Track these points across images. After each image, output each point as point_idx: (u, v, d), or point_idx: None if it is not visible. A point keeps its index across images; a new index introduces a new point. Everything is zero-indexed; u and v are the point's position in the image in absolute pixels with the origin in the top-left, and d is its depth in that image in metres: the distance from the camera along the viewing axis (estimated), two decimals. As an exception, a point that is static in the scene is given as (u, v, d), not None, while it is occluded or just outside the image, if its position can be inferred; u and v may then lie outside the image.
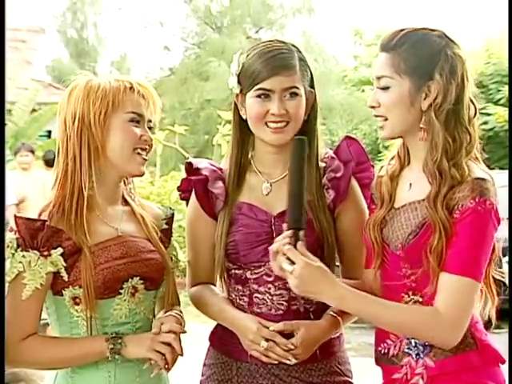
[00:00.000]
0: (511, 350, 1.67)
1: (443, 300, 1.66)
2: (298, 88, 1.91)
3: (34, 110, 14.66)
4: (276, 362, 1.85)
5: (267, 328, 1.84)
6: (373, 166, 2.04)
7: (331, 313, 1.90)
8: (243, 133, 1.99)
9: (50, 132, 16.84)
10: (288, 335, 1.84)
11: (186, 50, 22.08)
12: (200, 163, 2.03)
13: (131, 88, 1.80)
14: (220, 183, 1.99)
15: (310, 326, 1.86)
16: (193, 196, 2.02)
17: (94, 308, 1.74)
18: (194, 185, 2.00)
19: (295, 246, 1.68)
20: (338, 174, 1.96)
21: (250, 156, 2.02)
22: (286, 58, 1.91)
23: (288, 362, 1.83)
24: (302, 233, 1.70)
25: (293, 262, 1.67)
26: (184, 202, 2.10)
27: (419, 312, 1.70)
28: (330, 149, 2.06)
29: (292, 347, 1.82)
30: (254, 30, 21.81)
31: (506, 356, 1.78)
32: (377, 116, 1.79)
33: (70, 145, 1.80)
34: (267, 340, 1.83)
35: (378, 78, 1.77)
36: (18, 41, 19.00)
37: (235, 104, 1.98)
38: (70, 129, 1.80)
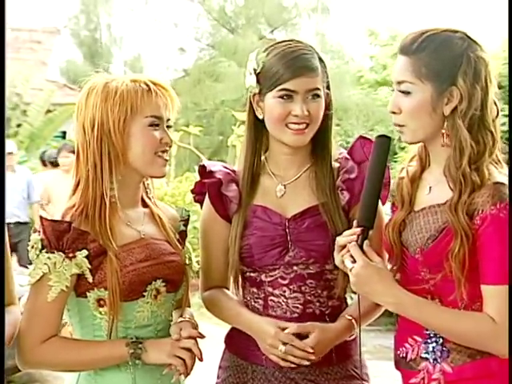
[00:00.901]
0: (511, 349, 1.66)
1: (497, 310, 1.64)
2: (319, 89, 1.90)
3: (48, 111, 14.74)
4: (294, 366, 1.85)
5: (285, 329, 1.84)
6: (388, 167, 2.03)
7: (346, 315, 1.90)
8: (258, 133, 1.98)
9: (64, 133, 16.91)
10: (302, 337, 1.84)
11: (200, 50, 22.12)
12: (213, 166, 2.03)
13: (149, 90, 1.79)
14: (234, 186, 1.99)
15: (324, 328, 1.86)
16: (207, 199, 2.02)
17: (118, 310, 1.74)
18: (208, 188, 2.00)
19: (362, 244, 1.69)
20: (353, 175, 1.95)
21: (263, 158, 2.01)
22: (310, 58, 1.90)
23: (305, 363, 1.83)
24: (371, 232, 1.70)
25: (355, 260, 1.68)
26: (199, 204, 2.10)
27: (475, 320, 1.67)
28: (345, 149, 2.05)
29: (310, 350, 1.82)
30: (268, 30, 21.80)
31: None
32: (396, 125, 1.77)
33: (89, 152, 1.80)
34: (285, 344, 1.82)
35: (399, 83, 1.75)
36: (34, 42, 19.13)
37: (250, 104, 1.97)
38: (89, 135, 1.79)
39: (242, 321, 1.93)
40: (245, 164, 1.99)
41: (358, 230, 1.71)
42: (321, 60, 1.93)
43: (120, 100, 1.77)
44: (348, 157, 2.00)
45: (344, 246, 1.71)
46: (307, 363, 1.84)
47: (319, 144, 1.97)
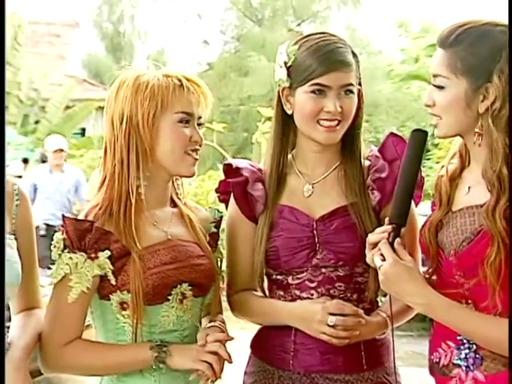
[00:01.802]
0: (511, 349, 1.65)
1: None
2: (353, 85, 1.90)
3: (67, 107, 14.84)
4: (346, 342, 1.83)
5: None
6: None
7: (380, 312, 1.90)
8: (286, 130, 1.98)
9: (84, 130, 17.06)
10: None
11: (225, 43, 22.17)
12: (240, 163, 2.03)
13: (181, 86, 1.79)
14: (260, 185, 1.98)
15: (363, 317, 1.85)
16: (232, 199, 2.02)
17: (141, 314, 1.75)
18: (233, 187, 2.00)
19: (393, 242, 1.69)
20: (383, 174, 1.94)
21: (290, 156, 2.01)
22: (344, 52, 1.89)
23: (356, 333, 1.81)
24: (403, 229, 1.70)
25: (385, 258, 1.68)
26: (223, 204, 2.10)
27: (508, 327, 1.65)
28: (375, 146, 2.05)
29: (362, 319, 1.81)
30: (296, 22, 21.78)
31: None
32: (432, 114, 1.76)
33: (117, 146, 1.80)
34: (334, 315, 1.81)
35: (434, 76, 1.73)
36: (52, 35, 19.30)
37: (279, 98, 1.96)
38: (117, 129, 1.80)
39: (281, 312, 1.91)
40: (271, 162, 1.98)
41: (390, 227, 1.70)
42: (354, 54, 1.93)
43: (150, 94, 1.77)
44: (378, 155, 1.99)
45: (376, 244, 1.71)
46: (357, 333, 1.81)
47: (349, 141, 1.96)
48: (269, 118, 7.95)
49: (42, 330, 1.79)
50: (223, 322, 1.89)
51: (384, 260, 1.68)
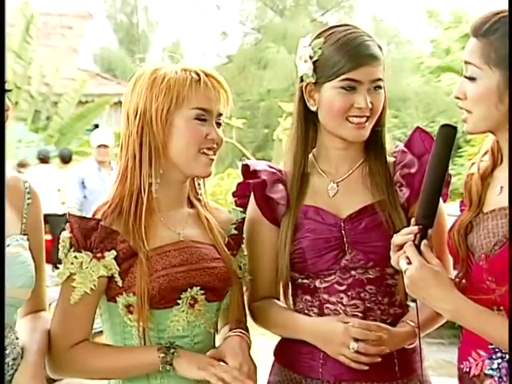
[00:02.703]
0: (511, 349, 1.64)
1: None
2: (382, 80, 1.90)
3: (80, 103, 14.92)
4: (366, 368, 1.83)
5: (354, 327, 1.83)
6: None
7: (408, 321, 1.89)
8: (308, 127, 1.98)
9: (97, 126, 17.13)
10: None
11: (245, 35, 22.18)
12: (258, 165, 2.03)
13: (198, 80, 1.79)
14: (280, 186, 1.98)
15: (389, 330, 1.85)
16: (252, 201, 2.01)
17: (146, 318, 1.75)
18: (253, 189, 2.00)
19: (419, 244, 1.68)
20: (412, 170, 1.94)
21: (311, 154, 2.01)
22: (373, 46, 1.89)
23: (378, 360, 1.81)
24: (430, 231, 1.70)
25: (411, 261, 1.68)
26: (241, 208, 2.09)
27: None
28: (400, 141, 2.04)
29: (385, 347, 1.80)
30: (319, 12, 21.74)
31: None
32: (461, 108, 1.75)
33: (130, 142, 1.81)
34: (356, 341, 1.81)
35: (466, 64, 1.72)
36: (65, 27, 19.43)
37: (301, 94, 1.96)
38: (131, 124, 1.81)
39: (302, 327, 1.91)
40: (294, 161, 1.98)
41: (416, 228, 1.70)
42: (380, 48, 1.93)
43: (166, 88, 1.77)
44: (405, 150, 1.98)
45: (401, 246, 1.70)
46: (379, 360, 1.82)
47: (373, 137, 1.96)
48: (291, 114, 7.95)
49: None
50: (246, 331, 1.87)
51: (410, 263, 1.67)
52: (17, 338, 1.75)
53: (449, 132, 1.71)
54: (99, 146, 7.74)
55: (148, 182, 1.79)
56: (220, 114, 1.83)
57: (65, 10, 20.87)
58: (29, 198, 1.81)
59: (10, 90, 1.73)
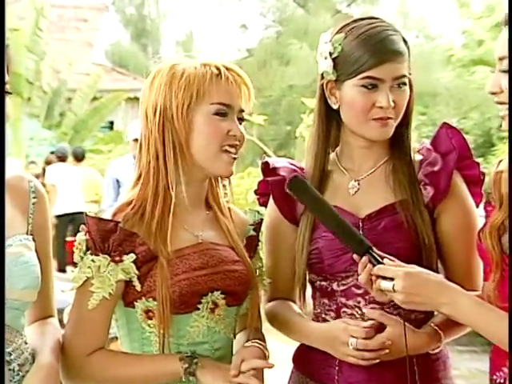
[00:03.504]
0: (511, 350, 1.63)
1: None
2: (406, 77, 1.90)
3: (95, 98, 14.96)
4: (376, 361, 1.83)
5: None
6: (478, 164, 2.00)
7: (432, 324, 1.89)
8: (330, 125, 1.99)
9: (112, 123, 17.23)
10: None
11: (266, 27, 22.16)
12: (277, 162, 2.04)
13: (218, 75, 1.80)
14: None
15: (407, 330, 1.83)
16: (271, 199, 2.03)
17: (168, 324, 1.75)
18: (271, 187, 2.01)
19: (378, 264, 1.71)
20: (436, 168, 1.93)
21: (335, 152, 2.02)
22: (396, 41, 1.88)
23: (382, 353, 1.83)
24: (375, 249, 1.74)
25: (391, 279, 1.69)
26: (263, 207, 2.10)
27: None
28: (426, 138, 2.04)
29: (387, 342, 1.81)
30: (344, 3, 21.68)
31: None
32: (499, 103, 1.73)
33: (151, 141, 1.81)
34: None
35: (500, 59, 1.71)
36: (80, 20, 19.53)
37: (322, 91, 1.96)
38: (151, 122, 1.81)
39: (308, 333, 1.93)
40: (314, 159, 1.99)
41: (364, 258, 1.73)
42: (405, 42, 1.92)
43: (185, 83, 1.78)
44: (430, 147, 1.98)
45: (370, 280, 1.73)
46: (387, 351, 1.82)
47: (398, 135, 1.96)
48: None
49: (60, 338, 1.81)
50: (263, 340, 1.88)
51: (391, 279, 1.69)
52: (25, 343, 1.75)
53: (296, 183, 1.79)
54: (135, 140, 7.78)
55: (175, 183, 1.80)
56: (242, 110, 1.84)
57: (80, 2, 20.97)
58: (34, 198, 1.81)
59: (9, 93, 1.74)
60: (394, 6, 21.18)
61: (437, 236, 1.94)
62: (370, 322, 1.84)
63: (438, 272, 1.90)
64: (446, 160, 1.93)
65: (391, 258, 1.74)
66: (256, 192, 2.10)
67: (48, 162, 11.14)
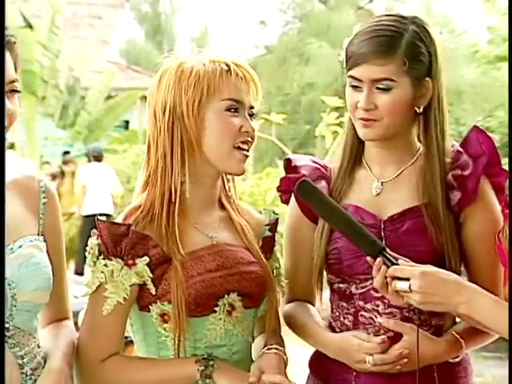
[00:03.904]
0: (511, 351, 1.63)
1: None
2: (393, 80, 1.87)
3: (109, 97, 15.00)
4: (398, 368, 1.84)
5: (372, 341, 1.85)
6: (506, 172, 1.98)
7: (453, 332, 1.88)
8: None
9: (127, 122, 17.29)
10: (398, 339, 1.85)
11: (286, 24, 22.14)
12: (299, 160, 2.05)
13: (228, 71, 1.81)
14: (323, 183, 2.00)
15: (425, 338, 1.84)
16: (292, 198, 2.04)
17: (184, 328, 1.76)
18: (293, 185, 2.01)
19: (393, 265, 1.71)
20: (466, 172, 1.93)
21: (362, 150, 2.02)
22: (382, 42, 1.88)
23: (403, 361, 1.83)
24: (388, 250, 1.73)
25: (406, 280, 1.68)
26: (281, 205, 2.12)
27: None
28: (456, 141, 2.03)
29: (404, 351, 1.81)
30: (365, -1, 21.62)
31: None
32: None
33: (160, 140, 1.82)
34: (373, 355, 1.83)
35: None
36: (94, 17, 19.62)
37: None
38: (160, 122, 1.82)
39: (321, 341, 1.95)
40: (342, 157, 2.01)
41: (378, 260, 1.72)
42: (415, 42, 1.88)
43: (195, 80, 1.79)
44: (461, 150, 1.97)
45: (385, 283, 1.72)
46: (405, 361, 1.83)
47: (423, 136, 1.96)
48: (335, 109, 7.92)
49: (75, 340, 1.81)
50: (281, 345, 1.88)
51: (407, 280, 1.68)
52: (38, 347, 1.76)
53: (304, 187, 1.77)
54: None
55: (180, 182, 1.80)
56: (251, 107, 1.85)
57: (94, -2, 21.03)
58: (44, 198, 1.82)
59: (19, 91, 1.74)
60: (418, 2, 21.10)
61: (461, 241, 1.94)
62: (382, 337, 1.85)
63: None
64: (475, 164, 1.93)
65: (405, 259, 1.74)
66: (278, 189, 2.11)
67: (65, 162, 11.18)
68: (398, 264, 1.71)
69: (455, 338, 1.87)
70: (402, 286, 1.69)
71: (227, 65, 1.82)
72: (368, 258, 1.75)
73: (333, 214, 1.77)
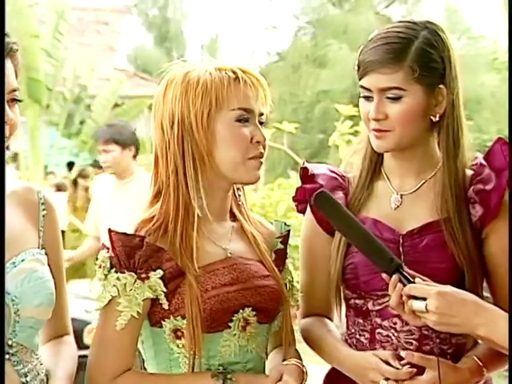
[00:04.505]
0: (511, 351, 1.63)
1: None
2: (402, 89, 1.87)
3: (116, 105, 15.03)
4: None
5: (391, 364, 1.83)
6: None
7: (474, 357, 1.87)
8: None
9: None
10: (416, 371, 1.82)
11: (299, 29, 22.18)
12: (316, 169, 2.05)
13: (236, 79, 1.80)
14: (340, 193, 2.00)
15: (447, 368, 1.83)
16: (308, 209, 2.04)
17: (200, 344, 1.75)
18: (309, 195, 2.01)
19: (409, 283, 1.70)
20: (488, 187, 1.92)
21: (381, 161, 2.02)
22: (389, 49, 1.87)
23: None
24: (405, 267, 1.72)
25: (423, 300, 1.68)
26: (296, 216, 2.12)
27: None
28: (478, 151, 2.02)
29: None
30: (383, 4, 21.65)
31: None
32: None
33: (170, 154, 1.82)
34: (388, 379, 1.82)
35: None
36: (100, 23, 19.69)
37: None
38: (168, 135, 1.82)
39: (338, 357, 1.93)
40: (362, 166, 2.01)
41: (394, 277, 1.71)
42: (427, 49, 1.87)
43: (202, 91, 1.79)
44: (484, 163, 1.96)
45: (402, 302, 1.71)
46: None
47: (444, 148, 1.95)
48: (349, 117, 7.92)
49: (77, 357, 1.81)
50: (299, 358, 1.87)
51: (424, 299, 1.67)
52: (40, 364, 1.76)
53: (322, 198, 1.76)
54: None
55: (197, 197, 1.80)
56: (261, 114, 1.85)
57: (100, 4, 21.14)
58: (44, 209, 1.82)
59: (20, 100, 1.74)
60: (438, 7, 21.10)
61: (483, 256, 1.93)
62: (410, 370, 1.82)
63: (482, 296, 1.87)
64: (499, 178, 1.91)
65: (423, 277, 1.73)
66: (294, 199, 2.11)
67: (83, 176, 11.16)
68: (414, 282, 1.70)
69: (477, 364, 1.86)
70: (418, 305, 1.68)
71: (234, 72, 1.81)
72: (384, 275, 1.74)
73: (350, 227, 1.77)
